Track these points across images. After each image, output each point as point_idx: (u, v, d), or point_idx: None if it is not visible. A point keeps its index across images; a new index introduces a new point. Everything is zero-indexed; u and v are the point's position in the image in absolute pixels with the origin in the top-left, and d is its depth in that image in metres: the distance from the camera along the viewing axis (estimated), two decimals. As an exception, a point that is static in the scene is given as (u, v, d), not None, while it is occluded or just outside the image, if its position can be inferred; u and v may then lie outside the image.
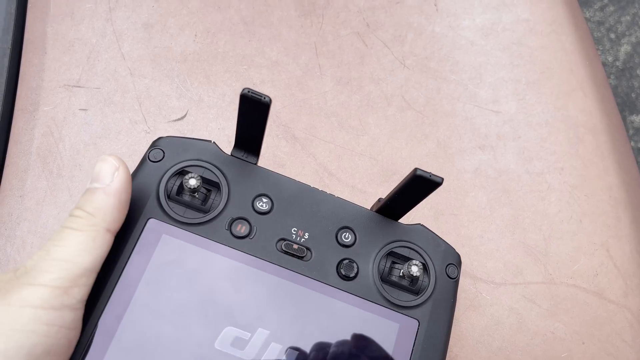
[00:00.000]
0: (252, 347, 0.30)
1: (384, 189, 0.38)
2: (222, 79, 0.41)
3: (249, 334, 0.29)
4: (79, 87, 0.40)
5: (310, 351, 0.29)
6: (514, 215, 0.38)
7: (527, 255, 0.36)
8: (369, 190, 0.38)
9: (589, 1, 1.33)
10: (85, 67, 0.41)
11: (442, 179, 0.28)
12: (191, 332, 0.29)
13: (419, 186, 0.29)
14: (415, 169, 0.28)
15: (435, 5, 0.44)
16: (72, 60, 0.41)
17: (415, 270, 0.30)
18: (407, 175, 0.29)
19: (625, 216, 0.38)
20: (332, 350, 0.29)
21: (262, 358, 0.29)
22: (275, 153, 0.39)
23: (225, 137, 0.39)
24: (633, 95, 1.25)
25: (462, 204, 0.38)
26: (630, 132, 1.21)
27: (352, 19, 0.44)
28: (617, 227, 0.37)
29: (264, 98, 0.28)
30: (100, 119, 0.39)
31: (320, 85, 0.41)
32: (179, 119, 0.40)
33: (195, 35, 0.43)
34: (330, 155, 0.39)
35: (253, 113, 0.30)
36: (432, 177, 0.28)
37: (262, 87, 0.41)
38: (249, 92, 0.28)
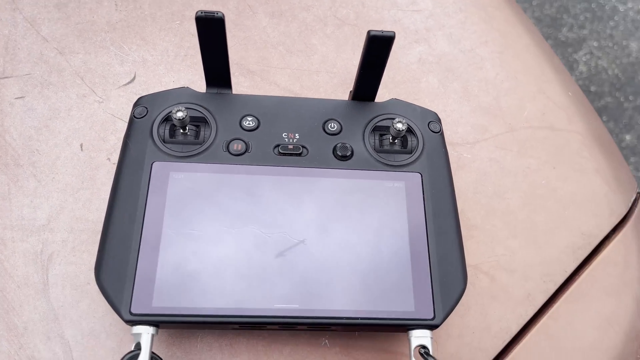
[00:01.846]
0: (279, 239, 0.30)
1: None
2: (159, 37, 0.40)
3: (276, 230, 0.30)
4: (5, 77, 0.37)
5: (334, 229, 0.31)
6: (464, 86, 0.42)
7: (486, 114, 0.41)
8: (338, 98, 0.40)
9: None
10: (7, 58, 0.38)
11: (394, 32, 0.31)
12: (224, 245, 0.29)
13: (376, 48, 0.31)
14: (369, 31, 0.31)
15: None
16: (-10, 52, 0.37)
17: (400, 126, 0.33)
18: (364, 43, 0.31)
19: (547, 65, 0.44)
20: (354, 222, 0.31)
21: (290, 245, 0.30)
22: (238, 89, 0.39)
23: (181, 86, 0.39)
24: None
25: (418, 89, 0.41)
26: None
27: (263, -38, 0.46)
28: (543, 74, 0.44)
29: (217, 14, 0.29)
30: (43, 101, 0.36)
31: (257, 22, 0.42)
32: (129, 83, 0.38)
33: (116, 4, 0.41)
34: (290, 79, 0.40)
35: (212, 35, 0.31)
36: (385, 33, 0.31)
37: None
38: (202, 13, 0.29)
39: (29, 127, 0.36)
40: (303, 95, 0.40)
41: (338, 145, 0.33)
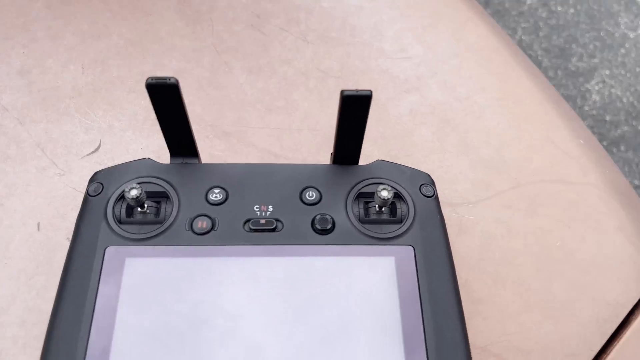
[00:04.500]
0: (249, 336, 0.26)
1: (334, 153, 0.36)
2: (127, 100, 0.38)
3: (246, 325, 0.26)
4: None
5: (314, 318, 0.26)
6: (461, 138, 0.38)
7: (488, 169, 0.37)
8: (320, 159, 0.36)
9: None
10: None
11: (371, 90, 0.27)
12: (187, 348, 0.25)
13: (352, 109, 0.28)
14: (342, 91, 0.27)
15: (315, -16, 0.45)
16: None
17: (384, 194, 0.29)
18: (339, 104, 0.28)
19: (553, 110, 0.40)
20: (336, 309, 0.27)
21: (263, 343, 0.26)
22: (212, 153, 0.36)
23: (152, 154, 0.36)
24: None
25: (411, 144, 0.38)
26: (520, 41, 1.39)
27: (241, 15, 0.43)
28: (550, 120, 0.39)
29: (169, 80, 0.26)
30: (0, 177, 0.34)
31: (233, 79, 0.40)
32: (93, 152, 0.35)
33: (83, 68, 0.39)
34: (270, 139, 0.37)
35: (167, 103, 0.28)
36: (360, 92, 0.27)
37: (173, 100, 0.38)
38: (152, 80, 0.26)
39: None
40: (284, 157, 0.36)
41: (317, 217, 0.29)
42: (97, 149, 0.35)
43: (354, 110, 0.28)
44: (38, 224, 0.33)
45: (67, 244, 0.32)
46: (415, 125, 0.38)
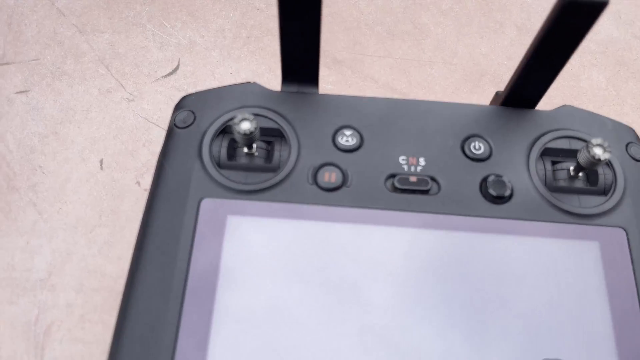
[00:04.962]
0: (399, 335, 0.19)
1: (479, 97, 0.28)
2: (212, 12, 0.29)
3: (397, 320, 0.19)
4: (5, 64, 0.27)
5: (490, 313, 0.19)
6: (645, 87, 0.29)
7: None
8: (461, 101, 0.28)
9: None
10: (9, 37, 0.28)
11: None
12: (312, 341, 0.18)
13: (567, 25, 0.19)
14: None
15: None
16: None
17: (598, 152, 0.20)
18: (549, 15, 0.19)
19: None
20: (517, 305, 0.19)
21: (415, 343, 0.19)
22: (323, 88, 0.28)
23: (244, 81, 0.28)
24: None
25: (579, 91, 0.28)
26: None
27: None
28: None
29: None
30: (53, 98, 0.26)
31: (345, -7, 0.31)
32: (170, 74, 0.27)
33: (157, -32, 0.31)
34: (393, 72, 0.28)
35: (300, 11, 0.19)
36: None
37: (268, 12, 0.29)
38: None
39: (31, 133, 0.25)
40: (412, 96, 0.28)
41: (490, 180, 0.21)
42: (174, 71, 0.28)
43: (568, 28, 0.19)
44: (101, 161, 0.25)
45: (137, 189, 0.25)
46: (583, 67, 0.29)
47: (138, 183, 0.25)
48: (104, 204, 0.24)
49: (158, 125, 0.26)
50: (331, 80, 0.28)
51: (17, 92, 0.26)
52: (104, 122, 0.26)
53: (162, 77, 0.27)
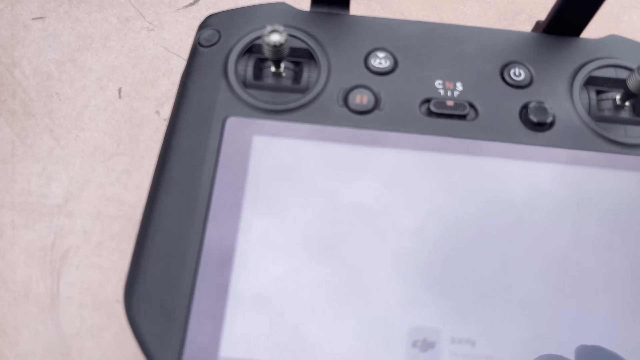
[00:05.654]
0: (438, 263, 0.18)
1: (513, 34, 0.27)
2: None
3: (434, 248, 0.18)
4: None
5: (538, 250, 0.18)
6: (690, 30, 0.27)
7: None
8: None
9: None
10: None
11: None
12: (345, 268, 0.17)
13: None
14: None
15: None
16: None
17: None
18: None
19: None
20: (560, 239, 0.18)
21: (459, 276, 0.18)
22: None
23: None
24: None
25: (618, 32, 0.27)
26: None
27: None
28: None
29: None
30: (70, 25, 0.25)
31: None
32: (191, 4, 0.26)
33: None
34: (424, 8, 0.27)
35: None
36: None
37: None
38: None
39: (48, 60, 0.24)
40: None
41: (531, 106, 0.20)
42: (196, 1, 0.26)
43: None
44: (119, 90, 0.24)
45: (157, 119, 0.24)
46: (624, 9, 0.28)
47: (157, 112, 0.24)
48: (122, 133, 0.23)
49: (179, 56, 0.25)
50: (358, 13, 0.26)
51: (33, 19, 0.25)
52: (123, 50, 0.25)
53: (184, 7, 0.26)
